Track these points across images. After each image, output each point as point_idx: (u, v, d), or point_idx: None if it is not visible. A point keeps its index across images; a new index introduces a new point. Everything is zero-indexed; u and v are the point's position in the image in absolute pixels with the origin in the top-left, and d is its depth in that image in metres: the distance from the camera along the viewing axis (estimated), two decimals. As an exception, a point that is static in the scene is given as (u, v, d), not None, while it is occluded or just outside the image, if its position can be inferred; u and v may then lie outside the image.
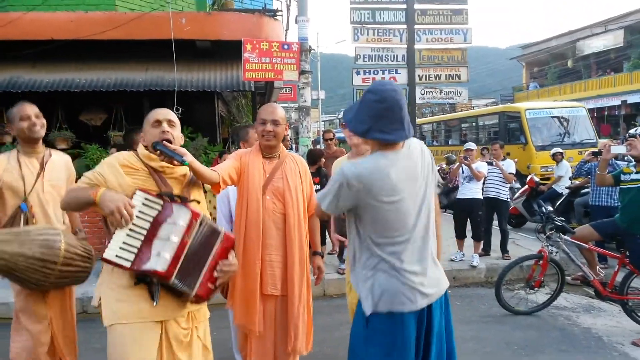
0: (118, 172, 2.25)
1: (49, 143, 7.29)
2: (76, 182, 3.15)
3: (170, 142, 2.30)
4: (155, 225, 2.18)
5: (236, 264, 2.43)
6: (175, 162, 2.28)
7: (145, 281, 2.20)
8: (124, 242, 2.11)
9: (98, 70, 7.68)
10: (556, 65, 31.43)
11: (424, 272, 2.12)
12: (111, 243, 2.09)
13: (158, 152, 2.28)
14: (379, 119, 2.05)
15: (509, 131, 14.42)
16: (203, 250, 2.28)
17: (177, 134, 2.37)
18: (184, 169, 2.40)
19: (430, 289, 2.13)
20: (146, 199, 2.19)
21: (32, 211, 2.99)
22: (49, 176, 3.07)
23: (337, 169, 2.21)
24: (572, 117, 13.79)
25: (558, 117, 13.75)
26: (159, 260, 2.13)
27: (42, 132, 3.08)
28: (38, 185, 3.03)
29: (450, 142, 19.24)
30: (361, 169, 2.06)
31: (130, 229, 2.13)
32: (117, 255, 2.09)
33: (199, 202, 2.42)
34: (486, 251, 7.09)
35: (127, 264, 2.11)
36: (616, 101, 22.98)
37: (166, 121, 2.35)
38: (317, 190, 6.32)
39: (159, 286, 2.20)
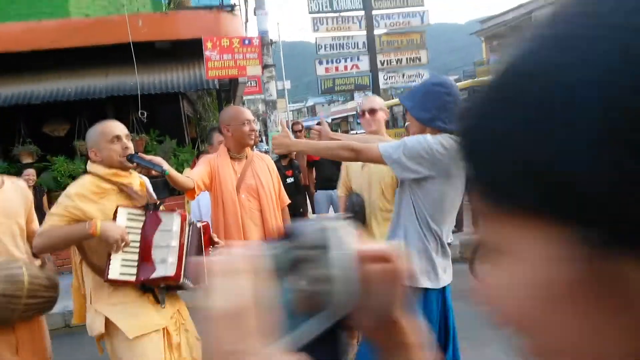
0: (94, 202, 2.25)
1: (14, 158, 7.16)
2: (48, 197, 3.07)
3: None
4: (145, 235, 2.27)
5: (223, 242, 2.65)
6: (154, 172, 2.38)
7: (150, 289, 2.31)
8: (122, 259, 2.20)
9: (58, 80, 7.54)
10: (514, 37, 31.95)
11: (447, 253, 2.31)
12: (111, 264, 2.17)
13: (135, 164, 2.35)
14: (443, 110, 2.18)
15: None
16: (196, 246, 2.44)
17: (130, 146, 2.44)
18: (137, 179, 2.46)
19: (449, 268, 2.32)
20: (129, 213, 2.27)
21: None
22: (2, 205, 2.84)
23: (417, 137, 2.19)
24: None
25: None
26: (166, 265, 2.26)
27: None
28: None
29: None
30: (444, 140, 2.13)
31: (125, 246, 2.22)
32: (120, 274, 2.19)
33: (161, 204, 2.53)
34: (459, 227, 7.28)
35: (132, 278, 2.22)
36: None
37: (124, 135, 2.39)
38: (290, 183, 6.36)
39: (165, 290, 2.36)
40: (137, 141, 7.41)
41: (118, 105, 7.52)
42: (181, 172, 4.14)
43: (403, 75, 8.05)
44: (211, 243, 2.56)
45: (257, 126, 2.99)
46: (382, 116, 3.16)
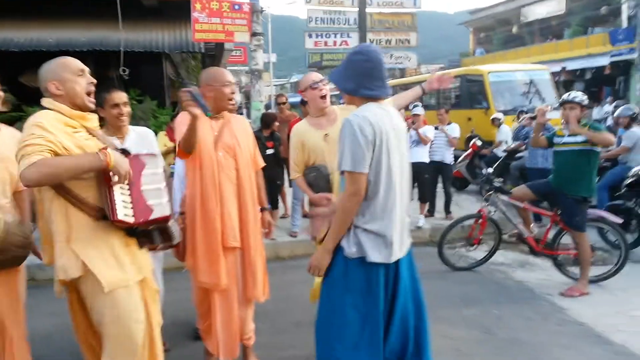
0: (74, 137, 2.14)
1: (-13, 105, 6.95)
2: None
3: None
4: (132, 178, 2.22)
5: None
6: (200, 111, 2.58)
7: (134, 233, 2.29)
8: (123, 201, 2.16)
9: (38, 29, 7.32)
10: (502, 31, 32.16)
11: (398, 229, 2.31)
12: (117, 204, 2.12)
13: (188, 95, 2.49)
14: (365, 77, 2.25)
15: (470, 95, 13.83)
16: None
17: None
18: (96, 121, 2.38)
19: (400, 244, 2.33)
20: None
21: None
22: None
23: (342, 124, 2.24)
24: (535, 80, 13.36)
25: (521, 81, 13.35)
26: (162, 206, 2.28)
27: None
28: None
29: (410, 107, 19.04)
30: (366, 114, 2.19)
31: (121, 187, 2.18)
32: (125, 214, 2.15)
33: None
34: (431, 212, 7.42)
35: (131, 220, 2.17)
36: (557, 67, 23.85)
37: (88, 71, 2.29)
38: (270, 154, 6.36)
39: (158, 232, 2.37)
40: (117, 99, 7.27)
41: (99, 61, 7.34)
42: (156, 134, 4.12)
43: (391, 57, 8.04)
44: None
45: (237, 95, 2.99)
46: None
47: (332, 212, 2.37)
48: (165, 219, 2.32)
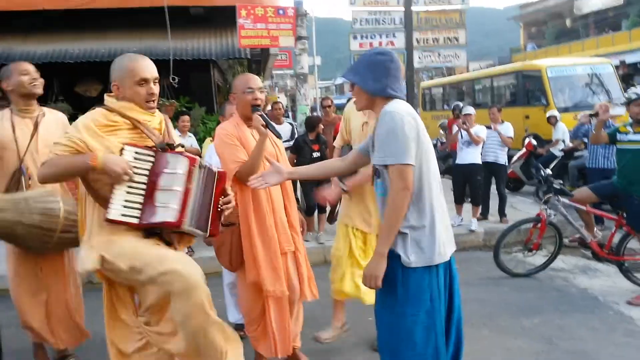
0: (98, 135, 2.16)
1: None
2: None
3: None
4: (153, 177, 2.17)
5: (232, 197, 2.59)
6: (269, 132, 2.71)
7: (155, 233, 2.23)
8: (126, 200, 2.12)
9: (91, 40, 7.58)
10: (554, 25, 31.01)
11: (447, 222, 2.23)
12: (113, 203, 2.09)
13: (262, 119, 2.65)
14: (390, 77, 2.21)
15: (527, 92, 13.23)
16: (207, 192, 2.35)
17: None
18: (157, 118, 2.39)
19: (451, 239, 2.25)
20: (136, 152, 2.18)
21: (29, 173, 2.88)
22: (43, 136, 2.94)
23: (381, 117, 2.16)
24: (597, 74, 12.63)
25: (582, 75, 12.66)
26: (167, 210, 2.16)
27: (41, 90, 2.99)
28: (32, 146, 2.92)
29: (460, 107, 18.29)
30: (402, 106, 2.15)
31: (129, 186, 2.13)
32: (122, 214, 2.10)
33: (183, 146, 2.43)
34: (484, 215, 7.16)
35: (135, 221, 2.13)
36: (614, 61, 22.75)
37: (152, 79, 2.29)
38: (317, 157, 6.32)
39: (174, 234, 2.30)
40: (167, 106, 7.42)
41: (150, 69, 7.54)
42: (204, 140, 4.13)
43: (439, 55, 7.84)
44: (223, 194, 2.47)
45: (262, 95, 2.91)
46: None
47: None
48: (169, 225, 2.19)
